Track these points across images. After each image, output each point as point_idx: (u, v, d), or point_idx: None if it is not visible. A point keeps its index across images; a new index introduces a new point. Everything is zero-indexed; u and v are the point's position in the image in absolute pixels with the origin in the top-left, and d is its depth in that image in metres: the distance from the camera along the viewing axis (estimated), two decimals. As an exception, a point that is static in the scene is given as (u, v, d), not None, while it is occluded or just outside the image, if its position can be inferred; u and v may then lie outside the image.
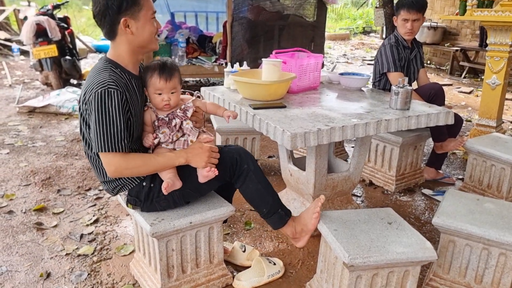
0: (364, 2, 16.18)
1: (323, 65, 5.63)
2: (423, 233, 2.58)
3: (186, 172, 1.82)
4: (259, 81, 2.36)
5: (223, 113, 1.98)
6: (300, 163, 2.63)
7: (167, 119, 1.84)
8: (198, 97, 2.02)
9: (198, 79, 6.63)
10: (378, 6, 4.51)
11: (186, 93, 2.10)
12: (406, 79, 2.36)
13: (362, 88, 2.82)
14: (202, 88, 2.72)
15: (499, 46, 3.69)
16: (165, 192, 1.73)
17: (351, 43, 12.44)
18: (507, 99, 6.15)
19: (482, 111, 3.95)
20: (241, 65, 2.93)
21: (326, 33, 12.56)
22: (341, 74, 2.89)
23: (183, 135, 1.86)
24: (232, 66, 2.91)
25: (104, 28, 1.71)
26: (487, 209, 2.04)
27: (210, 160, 1.81)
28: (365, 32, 14.25)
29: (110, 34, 1.72)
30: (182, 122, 1.85)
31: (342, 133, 2.03)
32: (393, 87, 2.32)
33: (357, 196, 3.09)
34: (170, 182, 1.75)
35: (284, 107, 2.29)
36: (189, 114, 1.88)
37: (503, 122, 4.88)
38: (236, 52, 4.98)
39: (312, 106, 2.36)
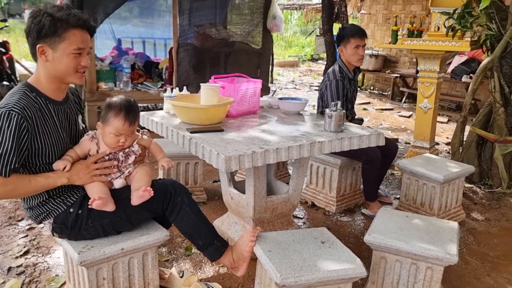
0: (312, 31, 16.81)
1: (269, 90, 5.78)
2: (361, 252, 2.65)
3: (116, 199, 1.79)
4: (196, 105, 2.38)
5: (160, 159, 1.98)
6: (241, 186, 2.65)
7: (107, 158, 1.82)
8: (143, 133, 2.01)
9: (145, 104, 6.55)
10: (318, 34, 4.74)
11: None
12: (339, 102, 2.46)
13: (301, 112, 2.91)
14: (142, 113, 2.70)
15: (428, 72, 3.94)
16: (91, 205, 1.67)
17: (299, 69, 12.83)
18: (441, 122, 6.54)
19: (417, 134, 4.18)
20: (184, 90, 2.95)
21: (275, 60, 12.91)
22: (280, 98, 2.97)
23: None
24: (179, 91, 2.92)
25: (30, 48, 1.71)
26: (415, 225, 2.13)
27: (94, 173, 1.77)
28: (313, 59, 14.75)
29: (33, 56, 1.71)
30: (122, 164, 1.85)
31: (277, 155, 2.07)
32: (327, 111, 2.41)
33: (299, 218, 3.13)
34: (103, 200, 1.70)
35: (222, 130, 2.32)
36: (130, 160, 1.87)
37: (437, 144, 5.17)
38: (182, 77, 5.00)
39: (250, 130, 2.40)
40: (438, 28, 3.82)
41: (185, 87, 2.93)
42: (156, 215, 1.92)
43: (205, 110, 2.35)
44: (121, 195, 1.78)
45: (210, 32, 5.27)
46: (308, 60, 14.65)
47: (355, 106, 3.48)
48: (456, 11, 3.50)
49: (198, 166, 3.27)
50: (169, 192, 1.88)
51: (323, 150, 2.24)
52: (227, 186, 2.66)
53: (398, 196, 3.57)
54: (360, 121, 3.38)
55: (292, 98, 3.01)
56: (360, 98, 8.43)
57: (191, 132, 2.24)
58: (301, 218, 3.13)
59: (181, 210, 1.89)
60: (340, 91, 3.06)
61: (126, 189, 1.81)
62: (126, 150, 1.86)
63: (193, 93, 2.92)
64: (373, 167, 3.01)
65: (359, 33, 3.12)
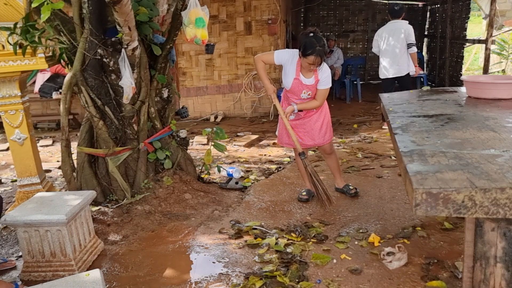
0: None
1: None
2: None
3: None
4: None
5: None
6: None
7: None
8: None
9: None
10: None
11: None
12: None
13: None
14: None
15: (10, 99, 3.33)
16: None
17: None
18: (46, 145, 6.03)
19: (20, 171, 3.52)
20: None
21: None
22: None
23: None
24: None
25: None
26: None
27: None
28: None
29: None
30: None
31: None
32: None
33: None
34: None
35: None
36: None
37: (49, 171, 4.67)
38: None
39: None
40: (4, 47, 3.24)
41: None
42: None
43: None
44: None
45: None
46: None
47: None
48: (18, 26, 3.02)
49: None
50: None
51: None
52: None
53: (21, 254, 2.88)
54: None
55: None
56: None
57: None
58: None
59: None
60: None
61: None
62: None
63: None
64: None
65: None
